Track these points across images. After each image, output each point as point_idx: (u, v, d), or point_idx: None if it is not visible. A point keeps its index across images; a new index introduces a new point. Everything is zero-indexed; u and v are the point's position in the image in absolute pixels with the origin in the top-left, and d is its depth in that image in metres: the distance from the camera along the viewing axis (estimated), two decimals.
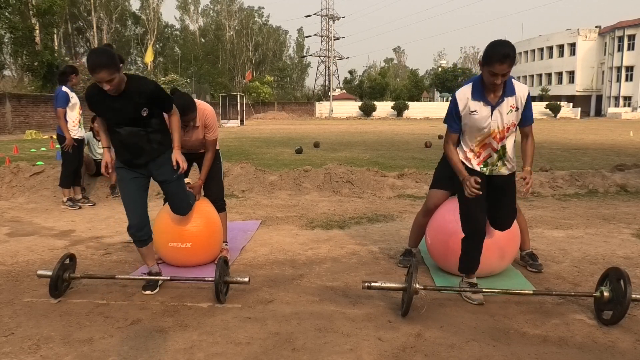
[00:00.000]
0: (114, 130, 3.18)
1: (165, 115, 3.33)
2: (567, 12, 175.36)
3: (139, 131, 3.16)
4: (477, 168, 3.14)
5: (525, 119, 3.12)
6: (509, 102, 2.99)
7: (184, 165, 3.30)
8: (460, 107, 3.03)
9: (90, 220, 5.60)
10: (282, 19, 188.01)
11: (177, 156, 3.29)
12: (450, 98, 3.15)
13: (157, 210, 3.74)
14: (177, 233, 3.66)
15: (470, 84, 3.05)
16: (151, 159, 3.27)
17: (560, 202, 6.45)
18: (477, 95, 2.99)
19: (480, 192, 2.97)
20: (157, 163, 3.30)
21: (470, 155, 3.15)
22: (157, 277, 3.37)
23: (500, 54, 2.79)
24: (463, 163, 3.14)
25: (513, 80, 3.03)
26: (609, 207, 6.09)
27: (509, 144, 3.13)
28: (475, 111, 3.00)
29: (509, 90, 2.99)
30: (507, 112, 3.01)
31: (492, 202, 3.21)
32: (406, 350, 2.54)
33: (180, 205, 3.56)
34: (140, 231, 3.32)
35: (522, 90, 3.05)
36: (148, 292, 3.29)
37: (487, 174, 3.15)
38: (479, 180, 2.96)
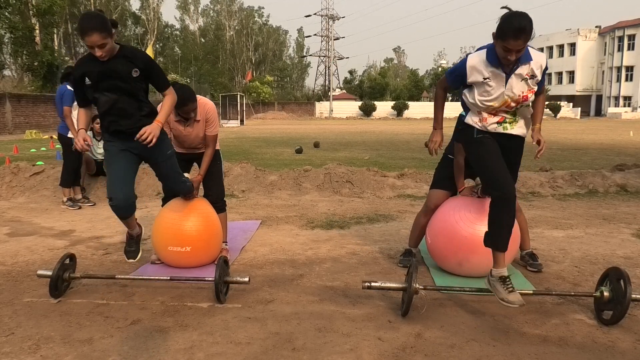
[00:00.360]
0: (102, 95, 3.04)
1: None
2: (567, 12, 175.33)
3: (129, 99, 3.06)
4: (495, 126, 2.97)
5: (538, 88, 2.98)
6: (524, 69, 2.82)
7: (149, 138, 2.99)
8: (469, 74, 2.86)
9: (90, 220, 5.60)
10: (282, 19, 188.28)
11: (151, 127, 3.01)
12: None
13: (157, 210, 3.74)
14: (177, 237, 3.64)
15: (484, 50, 2.84)
16: (138, 126, 3.10)
17: (560, 202, 6.45)
18: (492, 61, 2.79)
19: (433, 155, 3.03)
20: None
21: (485, 116, 2.98)
22: (139, 247, 3.31)
23: (514, 28, 2.57)
24: (477, 128, 2.99)
25: (530, 48, 2.83)
26: (609, 207, 6.09)
27: (525, 108, 2.99)
28: (488, 78, 2.82)
29: (524, 58, 2.78)
30: (522, 80, 2.82)
31: None
32: (406, 350, 2.54)
33: (175, 185, 3.46)
34: (123, 208, 3.21)
35: (539, 58, 2.86)
36: (131, 260, 3.23)
37: (501, 131, 2.99)
38: (439, 146, 3.00)
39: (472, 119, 3.06)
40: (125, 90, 3.05)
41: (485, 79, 2.84)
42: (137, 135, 3.00)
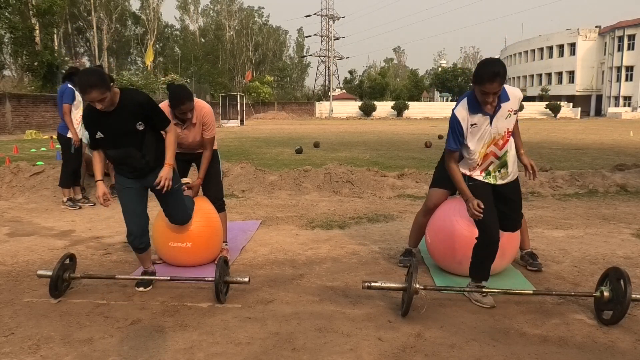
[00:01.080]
0: (110, 150, 3.18)
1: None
2: (567, 12, 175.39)
3: (134, 151, 3.15)
4: (481, 177, 3.16)
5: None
6: (505, 107, 3.03)
7: (165, 183, 3.20)
8: (462, 123, 3.05)
9: (90, 220, 5.61)
10: (282, 19, 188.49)
11: (164, 173, 3.22)
12: (448, 104, 3.19)
13: (158, 208, 3.74)
14: (177, 233, 3.66)
15: (465, 100, 3.06)
16: (146, 174, 3.27)
17: (560, 202, 6.45)
18: (474, 108, 3.01)
19: (482, 216, 2.96)
20: (156, 175, 3.27)
21: (473, 165, 3.16)
22: (151, 277, 3.38)
23: (490, 73, 2.81)
24: (467, 175, 3.16)
25: (505, 86, 3.04)
26: (609, 207, 6.09)
27: (511, 150, 3.17)
28: (475, 124, 3.03)
29: (503, 97, 3.01)
30: (505, 117, 3.04)
31: (500, 208, 3.20)
32: (406, 350, 2.54)
33: (181, 216, 3.56)
34: (139, 239, 3.33)
35: (515, 94, 3.09)
36: (141, 288, 3.32)
37: (491, 182, 3.16)
38: (482, 205, 2.96)
39: (462, 167, 3.20)
40: (132, 144, 3.16)
41: (473, 125, 3.05)
42: (155, 184, 3.21)
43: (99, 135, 3.14)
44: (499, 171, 3.16)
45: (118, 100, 3.06)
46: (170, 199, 3.43)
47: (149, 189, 3.41)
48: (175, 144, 3.32)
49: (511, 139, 3.16)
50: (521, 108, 3.37)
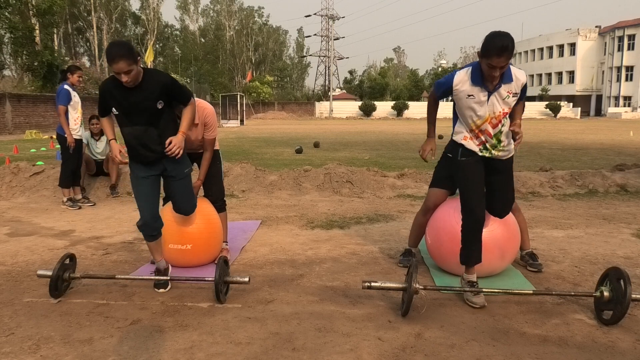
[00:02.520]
0: (125, 128, 3.17)
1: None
2: (567, 12, 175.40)
3: (151, 130, 3.15)
4: (477, 149, 3.16)
5: (519, 99, 3.17)
6: (506, 88, 3.00)
7: (176, 150, 3.15)
8: (454, 87, 3.06)
9: (90, 220, 5.60)
10: (282, 19, 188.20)
11: (176, 139, 3.16)
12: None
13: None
14: (177, 235, 3.66)
15: (470, 68, 3.04)
16: (160, 158, 3.25)
17: (560, 202, 6.45)
18: (476, 80, 2.98)
19: (425, 159, 3.18)
20: (168, 159, 3.26)
21: (468, 135, 3.17)
22: (164, 278, 3.37)
23: (498, 47, 2.77)
24: (461, 144, 3.18)
25: (512, 67, 3.01)
26: (609, 207, 6.09)
27: (504, 129, 3.15)
28: (472, 96, 3.00)
29: (507, 77, 2.98)
30: (503, 99, 3.01)
31: (490, 189, 3.24)
32: (406, 350, 2.54)
33: (187, 204, 3.54)
34: (152, 226, 3.33)
35: (520, 77, 3.05)
36: (162, 290, 3.32)
37: (487, 155, 3.16)
38: (433, 154, 3.13)
39: (457, 136, 3.23)
40: (150, 122, 3.15)
41: (469, 96, 3.03)
42: (166, 149, 3.15)
43: (114, 111, 3.13)
44: (495, 147, 3.16)
45: (141, 78, 3.05)
46: (181, 183, 3.43)
47: (162, 176, 3.40)
48: (193, 117, 3.31)
49: (507, 122, 3.13)
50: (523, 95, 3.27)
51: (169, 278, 3.36)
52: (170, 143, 3.15)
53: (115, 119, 3.23)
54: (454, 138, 3.27)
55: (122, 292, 3.35)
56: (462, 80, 3.04)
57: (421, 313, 2.94)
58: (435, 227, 3.65)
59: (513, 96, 3.04)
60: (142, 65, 3.10)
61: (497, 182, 3.25)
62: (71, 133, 6.03)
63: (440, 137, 17.35)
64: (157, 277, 3.36)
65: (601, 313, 2.88)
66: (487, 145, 3.16)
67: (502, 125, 3.12)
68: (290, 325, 2.82)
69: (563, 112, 53.61)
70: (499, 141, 3.15)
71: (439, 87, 3.22)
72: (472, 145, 3.16)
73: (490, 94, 2.99)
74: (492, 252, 3.38)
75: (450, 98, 3.25)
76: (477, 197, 3.11)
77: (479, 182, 3.15)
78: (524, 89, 3.14)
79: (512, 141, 3.23)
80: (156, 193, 3.37)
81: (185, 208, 3.56)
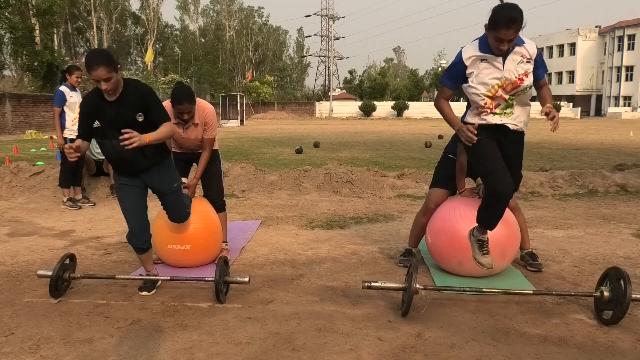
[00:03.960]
0: (107, 142, 3.11)
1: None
2: (567, 12, 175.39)
3: (135, 150, 3.05)
4: (490, 117, 3.03)
5: (537, 76, 3.03)
6: (519, 51, 2.89)
7: (130, 142, 2.80)
8: (468, 63, 2.91)
9: (90, 220, 5.60)
10: (282, 19, 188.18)
11: (138, 137, 2.83)
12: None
13: (157, 210, 3.74)
14: (176, 235, 3.65)
15: (477, 41, 2.94)
16: (145, 170, 3.22)
17: (560, 202, 6.45)
18: (485, 50, 2.88)
19: (475, 139, 2.89)
20: (154, 173, 3.25)
21: (482, 110, 3.04)
22: (155, 277, 3.37)
23: (506, 19, 2.67)
24: (474, 124, 3.05)
25: (520, 35, 2.89)
26: (609, 207, 6.08)
27: (520, 97, 3.04)
28: (485, 60, 2.88)
29: (518, 41, 2.86)
30: (518, 63, 2.89)
31: None
32: (406, 350, 2.54)
33: (179, 215, 3.55)
34: (140, 239, 3.30)
35: (531, 45, 2.95)
36: (145, 292, 3.29)
37: (498, 121, 3.04)
38: (475, 125, 2.88)
39: (469, 118, 3.14)
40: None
41: (483, 60, 2.91)
42: (122, 136, 2.87)
43: (96, 124, 3.06)
44: (505, 112, 3.05)
45: (121, 89, 3.02)
46: (171, 197, 3.42)
47: (151, 190, 3.39)
48: (166, 134, 3.10)
49: (523, 93, 3.00)
50: (540, 71, 3.09)
51: (168, 278, 3.35)
52: (128, 135, 2.85)
53: (97, 134, 3.12)
54: (467, 120, 3.12)
55: (122, 292, 3.34)
56: (471, 52, 2.92)
57: (421, 313, 2.94)
58: (436, 226, 3.65)
59: (527, 62, 2.91)
60: (122, 77, 3.06)
61: (506, 160, 3.11)
62: (62, 135, 6.10)
63: (440, 137, 17.35)
64: (156, 278, 3.36)
65: (601, 313, 2.88)
66: (497, 110, 3.01)
67: (517, 95, 2.98)
68: (290, 325, 2.82)
69: (563, 112, 53.53)
70: (511, 106, 3.01)
71: (449, 70, 3.04)
72: (487, 117, 3.01)
73: (504, 58, 2.87)
74: (493, 251, 3.37)
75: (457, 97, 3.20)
76: (500, 171, 2.95)
77: (498, 156, 3.00)
78: (541, 61, 2.98)
79: (527, 118, 3.12)
80: (142, 204, 3.32)
81: (177, 218, 3.56)
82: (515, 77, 2.93)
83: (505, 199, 2.98)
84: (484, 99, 3.02)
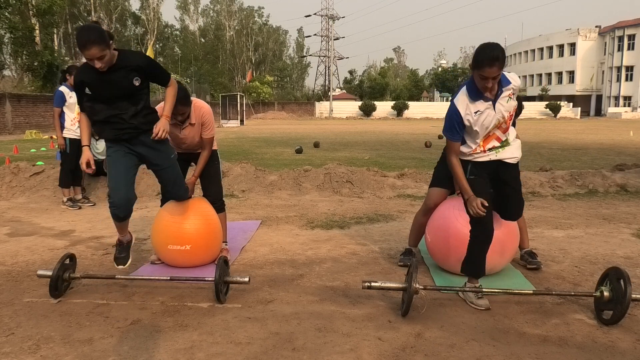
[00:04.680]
0: (100, 105, 3.07)
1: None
2: (567, 12, 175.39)
3: (127, 105, 3.07)
4: (486, 158, 3.14)
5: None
6: (506, 92, 3.04)
7: (162, 134, 3.09)
8: (462, 113, 3.02)
9: (90, 220, 5.60)
10: (282, 19, 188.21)
11: (161, 124, 3.09)
12: (449, 104, 3.18)
13: (157, 210, 3.74)
14: (176, 235, 3.65)
15: (465, 88, 3.06)
16: (138, 134, 3.15)
17: (560, 202, 6.45)
18: (475, 95, 3.01)
19: (484, 214, 2.96)
20: (150, 145, 3.21)
21: (476, 148, 3.15)
22: (123, 254, 3.30)
23: (489, 57, 2.81)
24: (469, 161, 3.15)
25: (504, 73, 3.05)
26: (609, 207, 6.08)
27: (512, 133, 3.20)
28: (479, 111, 3.01)
29: (505, 82, 3.02)
30: (507, 101, 3.05)
31: (501, 197, 3.22)
32: (406, 350, 2.54)
33: (178, 190, 3.49)
34: (121, 208, 3.21)
35: (514, 77, 3.11)
36: (120, 266, 3.26)
37: (494, 158, 3.15)
38: (486, 204, 2.95)
39: (464, 151, 3.18)
40: (127, 99, 3.08)
41: (476, 112, 3.02)
42: (153, 135, 3.11)
43: (87, 90, 3.04)
44: (499, 150, 3.16)
45: (116, 60, 2.98)
46: (168, 172, 3.37)
47: (146, 166, 3.34)
48: (174, 97, 3.22)
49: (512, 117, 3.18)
50: (520, 107, 3.50)
51: (168, 278, 3.34)
52: (156, 130, 3.08)
53: (89, 100, 3.10)
54: (461, 158, 3.19)
55: (122, 292, 3.34)
56: (464, 105, 3.03)
57: (421, 313, 2.94)
58: (435, 225, 3.66)
59: (513, 95, 3.08)
60: (115, 48, 3.01)
61: (508, 191, 3.24)
62: (62, 135, 6.12)
63: (440, 137, 17.37)
64: (158, 278, 3.35)
65: (601, 313, 2.88)
66: (494, 145, 3.15)
67: (511, 131, 3.17)
68: (290, 325, 2.82)
69: (563, 112, 53.59)
70: (507, 143, 3.17)
71: (450, 127, 3.10)
72: (480, 156, 3.15)
73: (494, 102, 3.01)
74: (492, 248, 3.36)
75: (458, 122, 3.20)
76: (489, 211, 3.07)
77: (488, 196, 3.10)
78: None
79: (519, 146, 3.24)
80: (131, 171, 3.24)
81: (178, 193, 3.49)
82: (507, 116, 3.09)
83: (491, 238, 3.10)
84: (477, 143, 3.13)
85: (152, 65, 3.11)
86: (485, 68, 2.82)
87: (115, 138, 3.18)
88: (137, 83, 3.05)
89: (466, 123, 3.05)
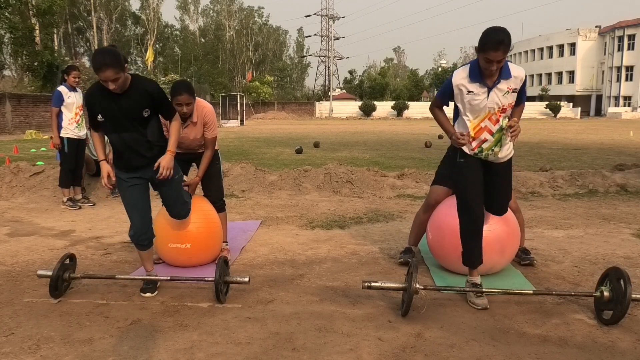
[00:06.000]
0: (112, 135, 3.15)
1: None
2: (567, 12, 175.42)
3: (138, 136, 3.14)
4: (471, 153, 3.16)
5: (519, 100, 3.15)
6: (505, 84, 3.03)
7: (165, 173, 3.17)
8: (456, 90, 3.08)
9: (90, 220, 5.60)
10: (282, 19, 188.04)
11: (164, 160, 3.16)
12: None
13: (157, 210, 3.74)
14: (177, 234, 3.66)
15: (468, 66, 3.08)
16: (148, 164, 3.22)
17: (560, 202, 6.45)
18: (474, 77, 3.02)
19: (465, 143, 3.05)
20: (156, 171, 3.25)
21: (468, 132, 3.16)
22: (155, 278, 3.36)
23: (494, 41, 2.82)
24: (460, 150, 3.18)
25: (509, 63, 3.06)
26: (609, 207, 6.08)
27: (505, 134, 3.16)
28: (472, 92, 3.04)
29: (505, 73, 3.01)
30: (503, 94, 3.03)
31: (488, 187, 3.25)
32: (406, 350, 2.54)
33: (180, 209, 3.54)
34: (143, 236, 3.31)
35: (519, 72, 3.07)
36: (148, 294, 3.28)
37: (482, 159, 3.18)
38: (465, 133, 3.03)
39: (459, 130, 3.20)
40: (137, 129, 3.14)
41: (469, 92, 3.05)
42: (157, 175, 3.17)
43: (99, 118, 3.10)
44: (492, 150, 3.14)
45: (128, 85, 3.04)
46: (170, 191, 3.40)
47: (150, 184, 3.38)
48: (179, 133, 3.30)
49: (505, 120, 3.12)
50: (521, 96, 3.18)
51: (168, 278, 3.34)
52: (159, 165, 3.14)
53: (103, 127, 3.18)
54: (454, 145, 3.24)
55: (122, 292, 3.35)
56: (461, 77, 3.07)
57: (421, 313, 2.94)
58: (437, 222, 3.66)
59: (512, 92, 3.06)
60: (129, 72, 3.09)
61: (496, 183, 3.26)
62: (58, 134, 6.12)
63: (440, 137, 17.38)
64: (156, 278, 3.35)
65: (601, 313, 2.88)
66: (484, 146, 3.13)
67: (503, 122, 3.10)
68: (290, 325, 2.82)
69: (563, 112, 53.60)
70: (498, 142, 3.13)
71: (440, 93, 3.25)
72: (467, 150, 3.16)
73: (489, 89, 3.01)
74: (492, 246, 3.38)
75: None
76: (475, 196, 3.13)
77: (477, 181, 3.16)
78: (523, 86, 3.14)
79: (511, 145, 3.21)
80: (146, 201, 3.33)
81: (178, 212, 3.54)
82: (499, 107, 3.06)
83: (479, 223, 3.14)
84: (470, 125, 3.13)
85: (162, 96, 3.18)
86: (490, 51, 2.83)
87: (127, 168, 3.25)
88: (146, 115, 3.11)
89: (455, 92, 3.08)
